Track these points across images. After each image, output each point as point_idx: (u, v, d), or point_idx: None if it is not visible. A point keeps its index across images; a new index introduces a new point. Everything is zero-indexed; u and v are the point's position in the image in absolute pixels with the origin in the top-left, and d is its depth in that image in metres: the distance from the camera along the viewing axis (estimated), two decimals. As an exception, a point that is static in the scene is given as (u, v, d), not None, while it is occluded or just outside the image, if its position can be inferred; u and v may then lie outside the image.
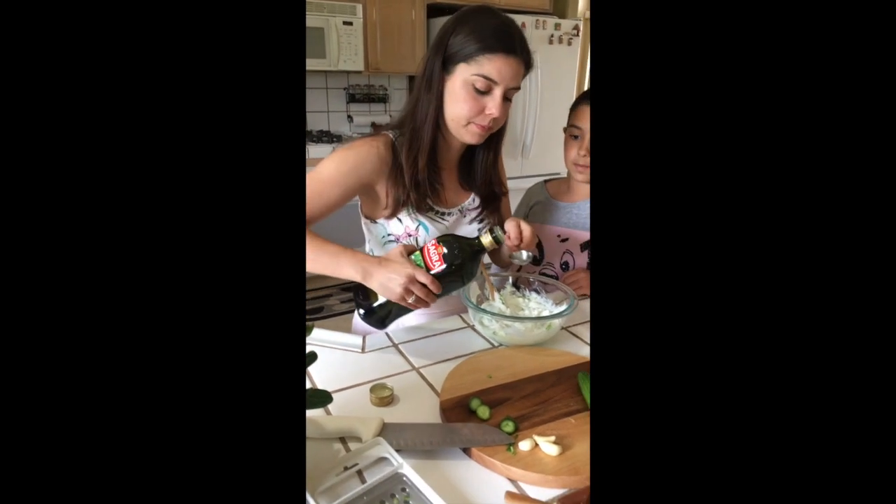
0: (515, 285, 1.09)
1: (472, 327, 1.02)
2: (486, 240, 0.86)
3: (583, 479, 0.62)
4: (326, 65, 2.95)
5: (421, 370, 0.86)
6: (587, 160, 1.17)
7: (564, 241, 1.24)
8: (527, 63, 0.91)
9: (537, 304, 1.02)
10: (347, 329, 1.05)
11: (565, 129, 1.22)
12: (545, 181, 1.36)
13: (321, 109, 3.36)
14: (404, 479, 0.60)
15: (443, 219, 1.02)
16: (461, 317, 1.06)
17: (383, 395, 0.76)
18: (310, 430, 0.67)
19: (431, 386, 0.81)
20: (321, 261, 0.86)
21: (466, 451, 0.66)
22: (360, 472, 0.62)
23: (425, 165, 0.95)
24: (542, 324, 0.92)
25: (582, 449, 0.66)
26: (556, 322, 0.93)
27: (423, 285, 0.82)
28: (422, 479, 0.59)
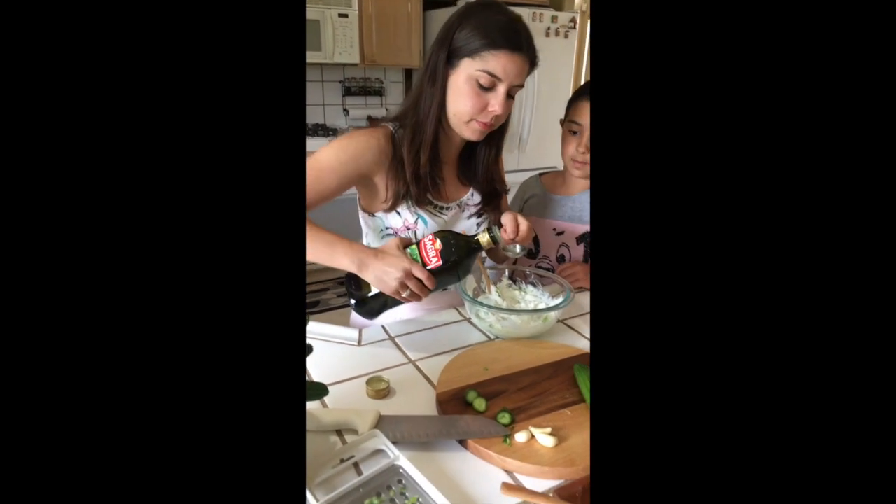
0: (512, 278, 1.09)
1: (469, 320, 1.02)
2: (484, 239, 0.86)
3: (578, 471, 0.62)
4: (322, 57, 2.93)
5: (417, 363, 0.86)
6: (586, 157, 1.15)
7: (560, 234, 1.24)
8: (532, 61, 0.90)
9: (534, 297, 1.03)
10: (343, 323, 1.05)
11: (562, 122, 1.21)
12: (540, 174, 1.36)
13: (317, 102, 3.35)
14: (401, 471, 0.61)
15: (442, 213, 1.02)
16: (457, 309, 1.06)
17: (380, 388, 0.76)
18: (307, 423, 0.67)
19: (428, 378, 0.82)
20: (316, 248, 0.85)
21: (463, 443, 0.66)
22: (356, 465, 0.62)
23: (427, 160, 0.94)
24: (539, 316, 0.93)
25: (578, 440, 0.66)
26: (553, 315, 0.94)
27: (419, 280, 0.82)
28: (418, 470, 0.59)
